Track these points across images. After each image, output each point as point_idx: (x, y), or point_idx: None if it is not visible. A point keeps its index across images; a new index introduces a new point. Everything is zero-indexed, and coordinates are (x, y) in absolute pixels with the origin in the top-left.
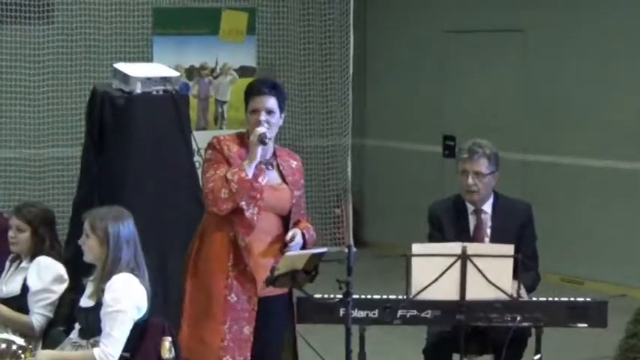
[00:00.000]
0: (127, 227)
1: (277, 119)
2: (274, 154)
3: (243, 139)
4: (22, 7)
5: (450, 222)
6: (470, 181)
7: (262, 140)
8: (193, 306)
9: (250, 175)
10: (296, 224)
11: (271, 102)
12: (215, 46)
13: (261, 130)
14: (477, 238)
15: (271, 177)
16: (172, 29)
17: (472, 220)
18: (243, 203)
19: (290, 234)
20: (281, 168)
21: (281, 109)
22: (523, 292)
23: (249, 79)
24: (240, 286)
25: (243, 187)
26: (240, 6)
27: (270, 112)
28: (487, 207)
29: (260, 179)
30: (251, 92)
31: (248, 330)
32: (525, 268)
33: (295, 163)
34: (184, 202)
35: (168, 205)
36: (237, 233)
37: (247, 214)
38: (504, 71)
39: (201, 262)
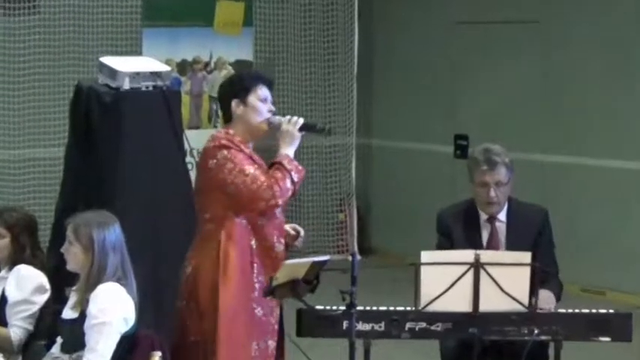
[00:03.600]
0: (113, 233)
1: None
2: None
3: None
4: None
5: (460, 231)
6: (492, 193)
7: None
8: (226, 325)
9: None
10: None
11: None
12: (209, 39)
13: (301, 119)
14: (490, 248)
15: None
16: (163, 20)
17: (485, 230)
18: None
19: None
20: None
21: None
22: (553, 303)
23: None
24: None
25: (301, 178)
26: None
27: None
28: (502, 215)
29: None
30: (258, 80)
31: (272, 345)
32: (547, 277)
33: None
34: (177, 205)
35: (160, 208)
36: (270, 238)
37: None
38: (520, 66)
39: (227, 277)
